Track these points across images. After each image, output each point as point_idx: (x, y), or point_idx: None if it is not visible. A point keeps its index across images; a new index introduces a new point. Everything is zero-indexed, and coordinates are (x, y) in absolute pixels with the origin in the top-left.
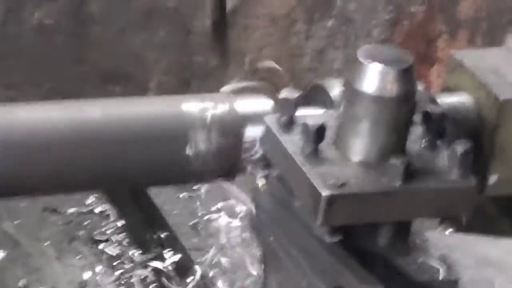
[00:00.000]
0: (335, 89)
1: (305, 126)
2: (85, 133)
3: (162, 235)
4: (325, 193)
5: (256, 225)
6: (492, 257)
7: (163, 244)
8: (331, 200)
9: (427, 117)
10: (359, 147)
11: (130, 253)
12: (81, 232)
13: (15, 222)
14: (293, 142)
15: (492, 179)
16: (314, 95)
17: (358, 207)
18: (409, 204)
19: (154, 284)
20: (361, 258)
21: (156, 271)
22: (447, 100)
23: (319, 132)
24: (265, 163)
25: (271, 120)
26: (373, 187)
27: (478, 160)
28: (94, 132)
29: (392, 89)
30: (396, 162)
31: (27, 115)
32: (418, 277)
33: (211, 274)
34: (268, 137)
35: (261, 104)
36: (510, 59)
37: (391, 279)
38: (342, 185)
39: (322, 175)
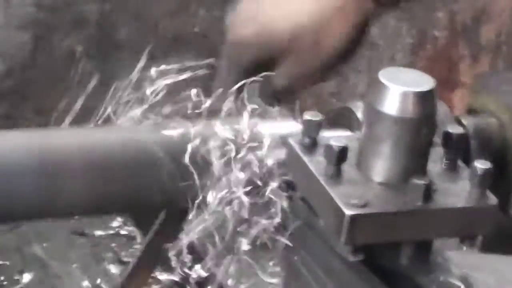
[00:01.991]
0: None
1: (328, 147)
2: (115, 157)
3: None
4: (348, 212)
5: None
6: (508, 273)
7: (186, 263)
8: (354, 219)
9: (448, 138)
10: (381, 167)
11: (156, 272)
12: (109, 254)
13: (44, 245)
14: (316, 163)
15: None
16: (341, 118)
17: (381, 227)
18: (430, 224)
19: None
20: (384, 277)
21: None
22: (472, 121)
23: (342, 153)
24: (288, 183)
25: (295, 142)
26: (394, 207)
27: (503, 181)
28: (124, 156)
29: (413, 110)
30: (417, 183)
31: (59, 139)
32: None
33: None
34: (291, 158)
35: (285, 126)
36: None
37: None
38: (365, 205)
39: (345, 195)
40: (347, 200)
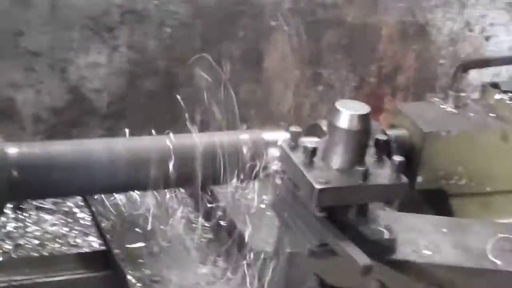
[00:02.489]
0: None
1: (305, 147)
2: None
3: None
4: (317, 187)
5: (276, 204)
6: (416, 226)
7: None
8: (321, 191)
9: (378, 142)
10: (337, 160)
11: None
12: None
13: None
14: (298, 157)
15: (419, 179)
16: (313, 130)
17: (336, 196)
18: (367, 194)
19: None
20: (339, 226)
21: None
22: (392, 132)
23: (313, 151)
24: (281, 170)
25: (284, 144)
26: (345, 184)
27: (411, 168)
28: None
29: (357, 125)
30: (359, 169)
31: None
32: (372, 237)
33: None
34: (283, 154)
35: (279, 135)
36: (428, 108)
37: (356, 239)
38: (327, 182)
39: (315, 176)
40: (316, 179)
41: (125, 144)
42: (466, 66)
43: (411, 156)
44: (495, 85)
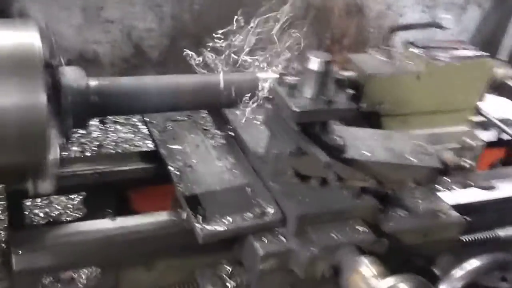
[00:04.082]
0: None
1: (289, 84)
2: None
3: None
4: (295, 109)
5: (268, 121)
6: (359, 136)
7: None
8: (298, 113)
9: (337, 80)
10: (309, 91)
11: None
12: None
13: None
14: (282, 90)
15: (363, 105)
16: (297, 74)
17: (307, 115)
18: (328, 115)
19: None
20: (308, 136)
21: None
22: (346, 73)
23: (293, 86)
24: (272, 97)
25: (275, 81)
26: (313, 108)
27: (357, 97)
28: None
29: (322, 67)
30: (323, 98)
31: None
32: (330, 143)
33: None
34: (273, 87)
35: (272, 74)
36: (369, 58)
37: (320, 144)
38: (302, 106)
39: (294, 102)
40: (294, 105)
41: (169, 78)
42: (394, 29)
43: (358, 90)
44: (411, 43)
